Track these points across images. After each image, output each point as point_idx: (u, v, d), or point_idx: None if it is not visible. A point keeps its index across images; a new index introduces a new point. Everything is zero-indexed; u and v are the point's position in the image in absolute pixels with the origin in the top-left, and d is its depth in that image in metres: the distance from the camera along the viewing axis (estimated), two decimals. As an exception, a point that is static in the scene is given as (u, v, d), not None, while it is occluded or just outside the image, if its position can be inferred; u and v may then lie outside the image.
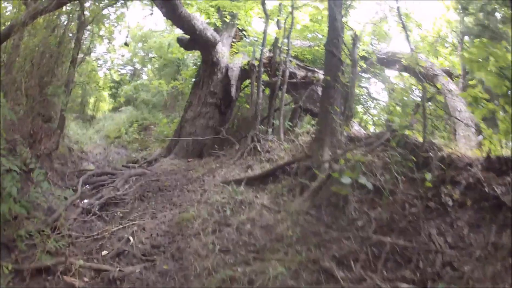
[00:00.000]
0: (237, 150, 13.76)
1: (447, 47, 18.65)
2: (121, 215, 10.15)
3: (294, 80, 14.80)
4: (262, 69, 14.46)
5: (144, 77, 35.97)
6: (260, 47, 15.91)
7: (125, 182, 12.98)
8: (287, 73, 14.52)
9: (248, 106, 19.74)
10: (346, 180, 6.21)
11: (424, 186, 6.52)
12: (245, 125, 17.46)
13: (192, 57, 25.71)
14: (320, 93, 15.00)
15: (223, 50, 17.37)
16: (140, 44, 34.82)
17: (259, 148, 12.63)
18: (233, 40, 19.22)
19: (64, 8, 12.60)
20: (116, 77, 35.78)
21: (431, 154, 7.22)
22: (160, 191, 11.70)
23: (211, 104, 16.84)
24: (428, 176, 6.55)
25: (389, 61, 17.36)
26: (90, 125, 29.30)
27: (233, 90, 16.34)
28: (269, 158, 12.07)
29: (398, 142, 7.80)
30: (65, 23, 13.70)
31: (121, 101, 32.05)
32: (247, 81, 18.30)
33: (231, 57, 17.96)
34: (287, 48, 15.43)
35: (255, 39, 18.71)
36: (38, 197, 8.35)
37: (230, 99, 17.20)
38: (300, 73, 15.66)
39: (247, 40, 19.68)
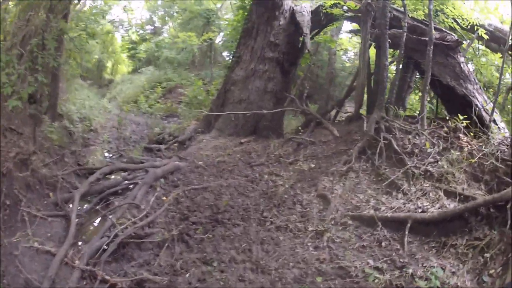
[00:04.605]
0: (339, 140, 7.36)
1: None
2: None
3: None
4: (389, 12, 7.58)
5: (166, 35, 28.92)
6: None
7: (149, 188, 6.88)
8: (431, 27, 7.35)
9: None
10: None
11: None
12: (320, 95, 10.89)
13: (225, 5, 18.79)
14: (463, 66, 8.32)
15: (285, -12, 10.61)
16: (160, 1, 27.72)
17: (396, 146, 6.22)
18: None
19: None
20: (135, 38, 28.92)
21: None
22: (217, 222, 5.48)
23: (271, 60, 10.29)
24: None
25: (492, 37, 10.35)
26: (108, 90, 23.19)
27: (308, 40, 9.68)
28: (427, 171, 5.78)
29: None
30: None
31: (139, 60, 25.40)
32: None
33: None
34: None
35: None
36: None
37: (296, 55, 10.70)
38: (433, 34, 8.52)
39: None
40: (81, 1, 12.46)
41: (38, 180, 6.47)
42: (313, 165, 6.75)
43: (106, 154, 10.92)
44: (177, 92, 18.17)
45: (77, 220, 5.61)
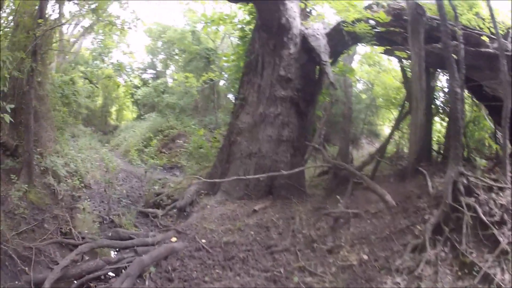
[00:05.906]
0: (396, 210, 5.08)
1: None
2: None
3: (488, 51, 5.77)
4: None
5: (169, 80, 27.08)
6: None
7: (136, 279, 5.24)
8: (497, 31, 5.37)
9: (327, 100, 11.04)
10: None
11: None
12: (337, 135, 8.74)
13: (226, 44, 16.87)
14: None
15: (292, 8, 8.49)
16: (160, 43, 26.07)
17: (483, 216, 4.15)
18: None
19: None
20: (138, 82, 27.20)
21: None
22: None
23: (284, 100, 8.16)
24: None
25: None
26: (112, 138, 21.96)
27: (329, 70, 7.56)
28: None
29: None
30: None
31: (143, 106, 23.71)
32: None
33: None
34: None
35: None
36: None
37: (313, 90, 8.56)
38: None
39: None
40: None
41: (8, 255, 5.24)
42: (365, 256, 4.41)
43: (95, 219, 8.83)
44: (181, 140, 16.04)
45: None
